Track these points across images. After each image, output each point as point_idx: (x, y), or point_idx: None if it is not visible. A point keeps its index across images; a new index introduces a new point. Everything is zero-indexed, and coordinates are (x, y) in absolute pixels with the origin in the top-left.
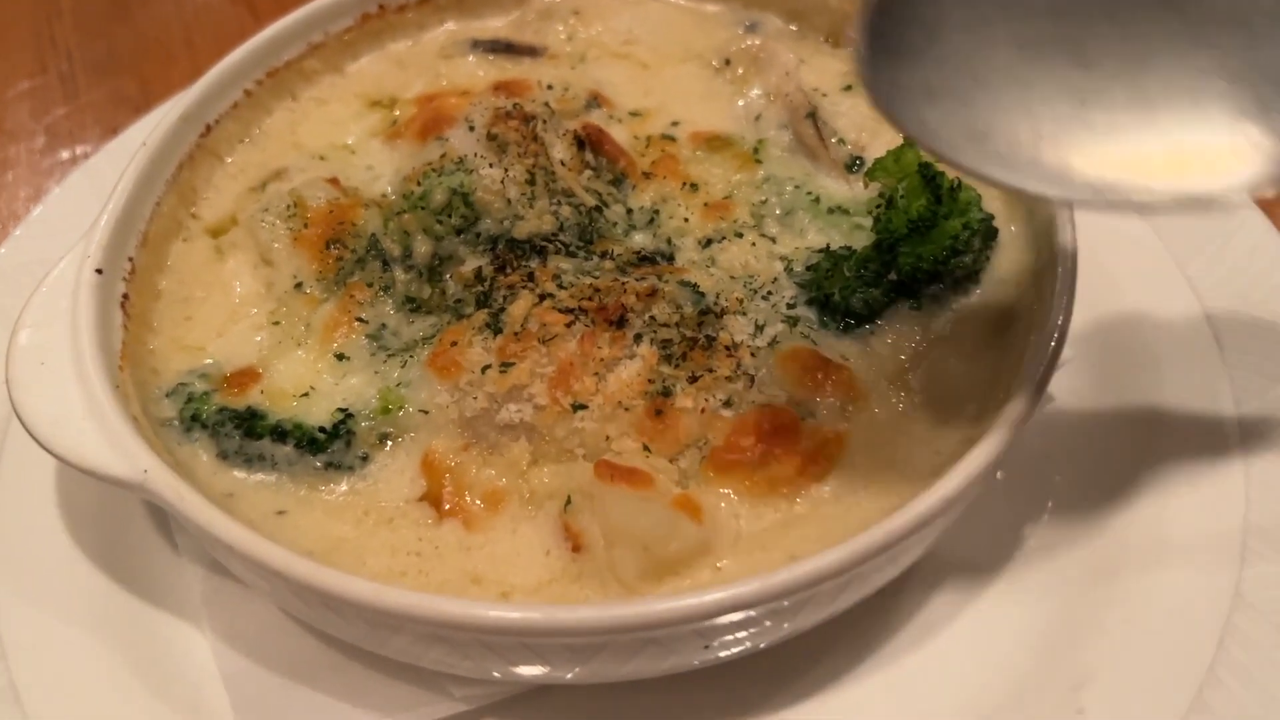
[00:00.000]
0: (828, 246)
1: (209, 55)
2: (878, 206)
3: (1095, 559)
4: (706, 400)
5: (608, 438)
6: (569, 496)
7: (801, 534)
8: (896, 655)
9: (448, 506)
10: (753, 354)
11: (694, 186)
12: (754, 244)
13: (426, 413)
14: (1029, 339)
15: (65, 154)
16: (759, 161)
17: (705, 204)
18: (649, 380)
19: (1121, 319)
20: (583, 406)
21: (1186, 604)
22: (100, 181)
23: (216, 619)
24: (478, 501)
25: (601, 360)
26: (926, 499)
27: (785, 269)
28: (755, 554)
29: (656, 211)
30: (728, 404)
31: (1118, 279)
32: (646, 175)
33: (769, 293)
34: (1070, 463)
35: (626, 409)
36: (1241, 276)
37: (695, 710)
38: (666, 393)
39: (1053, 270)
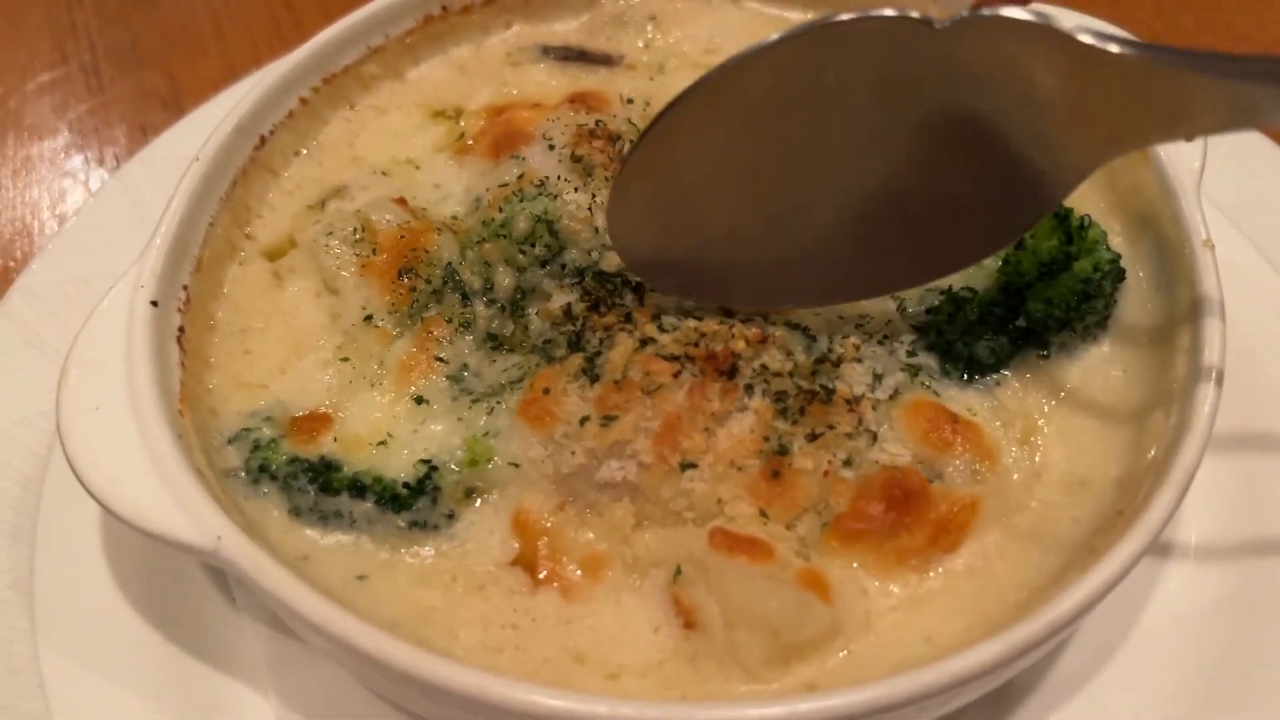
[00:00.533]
0: (949, 288)
1: (240, 47)
2: (998, 260)
3: (1236, 608)
4: (829, 461)
5: (720, 500)
6: (679, 566)
7: (934, 611)
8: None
9: (543, 574)
10: (874, 407)
11: None
12: None
13: (518, 466)
14: (1175, 402)
15: (91, 154)
16: None
17: None
18: (764, 438)
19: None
20: (692, 465)
21: None
22: (135, 191)
23: (282, 684)
24: (576, 569)
25: (712, 414)
26: (1087, 583)
27: (899, 309)
28: (887, 636)
29: None
30: (848, 463)
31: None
32: None
33: (885, 337)
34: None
35: (739, 469)
36: None
37: None
38: (783, 450)
39: (1196, 325)
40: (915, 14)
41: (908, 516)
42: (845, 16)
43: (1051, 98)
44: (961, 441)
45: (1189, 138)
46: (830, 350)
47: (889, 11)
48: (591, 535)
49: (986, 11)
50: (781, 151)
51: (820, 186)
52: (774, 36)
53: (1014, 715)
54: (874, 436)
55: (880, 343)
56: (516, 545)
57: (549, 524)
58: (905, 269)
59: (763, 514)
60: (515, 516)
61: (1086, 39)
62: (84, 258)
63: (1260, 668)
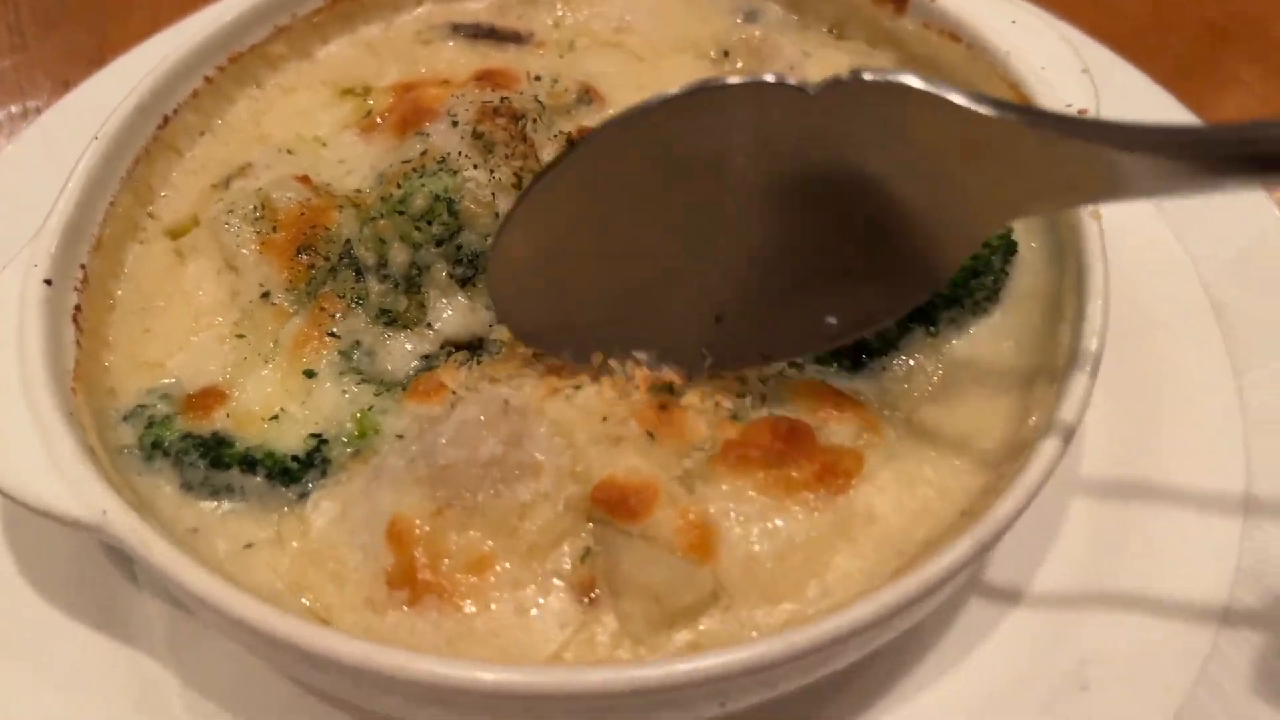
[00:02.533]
0: None
1: (168, 5)
2: None
3: (1099, 534)
4: (715, 403)
5: (604, 419)
6: (586, 548)
7: (818, 559)
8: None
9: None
10: (762, 381)
11: None
12: None
13: (402, 437)
14: (1059, 367)
15: (15, 108)
16: None
17: None
18: (650, 386)
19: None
20: (577, 388)
21: (1190, 577)
22: (54, 142)
23: (185, 663)
24: (461, 573)
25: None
26: (958, 547)
27: None
28: (770, 589)
29: None
30: (735, 418)
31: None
32: None
33: None
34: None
35: (627, 397)
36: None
37: None
38: (671, 392)
39: (1081, 294)
40: (791, 80)
41: (794, 450)
42: (720, 81)
43: (928, 158)
44: (847, 414)
45: (1074, 205)
46: None
47: (768, 77)
48: (474, 534)
49: (851, 75)
50: (665, 215)
51: (704, 252)
52: (652, 99)
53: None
54: (763, 399)
55: None
56: (391, 559)
57: (426, 529)
58: (800, 335)
59: (650, 436)
60: (389, 528)
61: (957, 98)
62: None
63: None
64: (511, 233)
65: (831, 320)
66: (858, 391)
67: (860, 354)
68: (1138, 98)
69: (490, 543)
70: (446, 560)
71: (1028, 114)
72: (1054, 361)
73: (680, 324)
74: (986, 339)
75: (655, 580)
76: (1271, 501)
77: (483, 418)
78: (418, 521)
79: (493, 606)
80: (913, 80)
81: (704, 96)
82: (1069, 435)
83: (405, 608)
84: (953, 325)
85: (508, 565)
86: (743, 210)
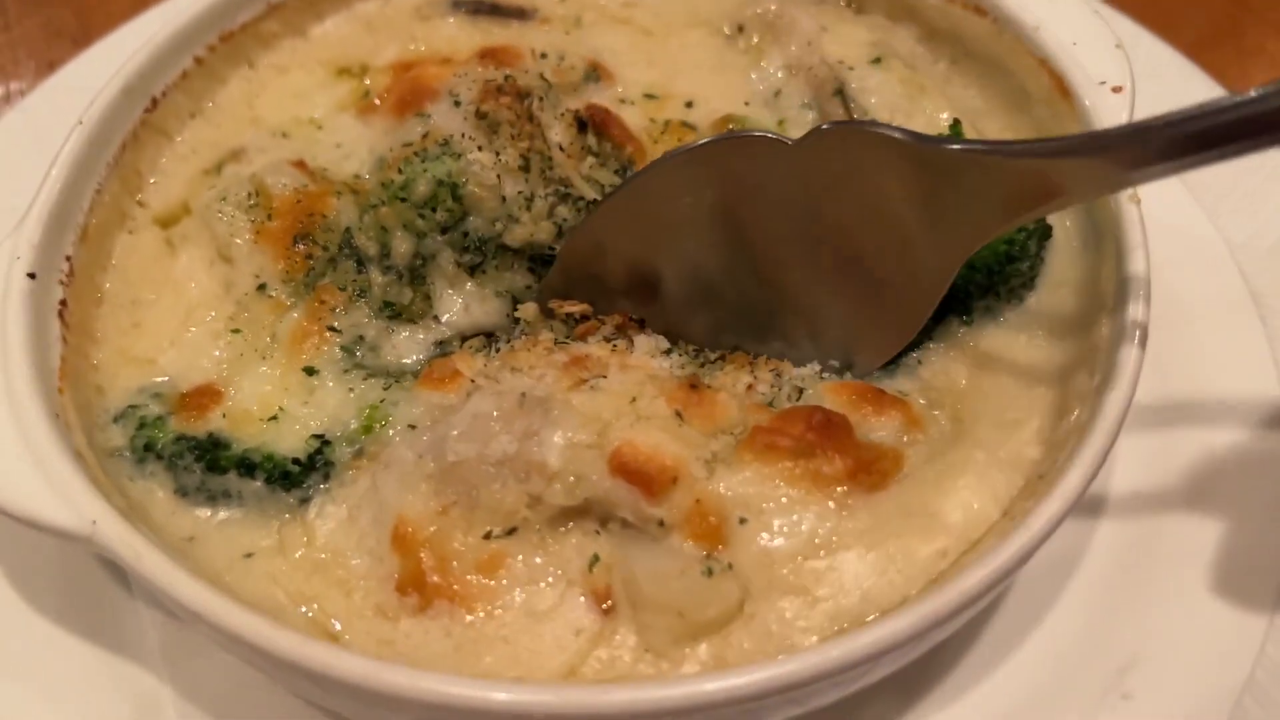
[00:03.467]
0: None
1: None
2: None
3: (1138, 535)
4: (749, 386)
5: (634, 400)
6: (595, 555)
7: (840, 562)
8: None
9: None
10: (798, 379)
11: None
12: None
13: (414, 427)
14: (1099, 362)
15: None
16: None
17: None
18: (681, 367)
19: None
20: (601, 376)
21: (1237, 586)
22: (39, 126)
23: (179, 674)
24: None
25: (627, 354)
26: (1000, 555)
27: None
28: (788, 599)
29: None
30: (770, 405)
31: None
32: None
33: None
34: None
35: (655, 379)
36: None
37: None
38: (704, 372)
39: (1121, 282)
40: (773, 134)
41: (827, 442)
42: (709, 140)
43: (903, 197)
44: (890, 412)
45: (1036, 216)
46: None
47: (757, 131)
48: (482, 533)
49: (827, 125)
50: (692, 244)
51: (721, 280)
52: (663, 157)
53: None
54: (800, 392)
55: None
56: (398, 563)
57: (432, 530)
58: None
59: (678, 415)
60: (394, 530)
61: (901, 137)
62: None
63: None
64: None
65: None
66: (903, 391)
67: None
68: (1163, 69)
69: (499, 543)
70: (455, 563)
71: (981, 145)
72: (1094, 352)
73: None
74: (1023, 328)
75: (677, 595)
76: None
77: (497, 412)
78: (423, 522)
79: (504, 611)
80: (878, 128)
81: (698, 152)
82: (1112, 436)
83: (417, 614)
84: (988, 314)
85: (520, 565)
86: (747, 247)
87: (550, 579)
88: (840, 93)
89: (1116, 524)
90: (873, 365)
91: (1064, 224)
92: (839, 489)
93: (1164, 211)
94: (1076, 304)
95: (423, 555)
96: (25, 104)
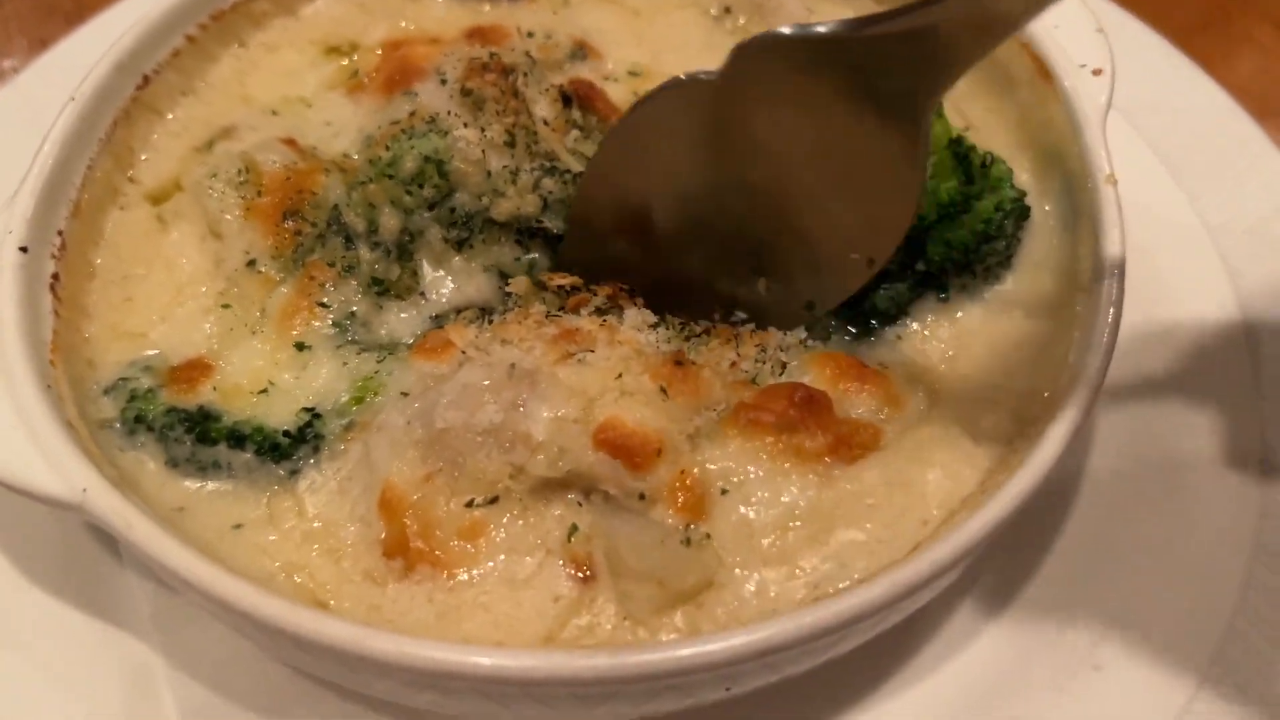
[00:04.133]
0: None
1: None
2: None
3: (1113, 508)
4: (732, 364)
5: (620, 376)
6: (573, 525)
7: (823, 532)
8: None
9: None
10: (783, 349)
11: None
12: None
13: (407, 394)
14: (1073, 337)
15: None
16: None
17: None
18: (667, 341)
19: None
20: (589, 350)
21: (1207, 557)
22: (33, 103)
23: (171, 645)
24: (454, 539)
25: (615, 328)
26: (971, 526)
27: None
28: (767, 568)
29: None
30: (754, 381)
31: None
32: None
33: None
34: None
35: (641, 354)
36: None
37: None
38: (689, 348)
39: (1096, 262)
40: (702, 74)
41: (809, 418)
42: (647, 96)
43: (838, 92)
44: (870, 388)
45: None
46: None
47: (684, 75)
48: (465, 500)
49: (742, 43)
50: (672, 185)
51: (706, 214)
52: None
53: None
54: (783, 367)
55: None
56: (384, 528)
57: (416, 497)
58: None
59: (663, 391)
60: (381, 495)
61: (814, 34)
62: None
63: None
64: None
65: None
66: (884, 364)
67: (869, 320)
68: (1148, 55)
69: (481, 511)
70: (438, 529)
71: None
72: (1069, 331)
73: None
74: (999, 307)
75: (656, 564)
76: None
77: (487, 382)
78: (410, 488)
79: (485, 578)
80: (790, 32)
81: (647, 103)
82: (1085, 412)
83: (402, 579)
84: (964, 292)
85: (502, 533)
86: (722, 184)
87: (531, 548)
88: None
89: (1091, 499)
90: (866, 275)
91: (1043, 206)
92: (820, 463)
93: (1143, 193)
94: (1053, 284)
95: (407, 520)
96: (18, 81)
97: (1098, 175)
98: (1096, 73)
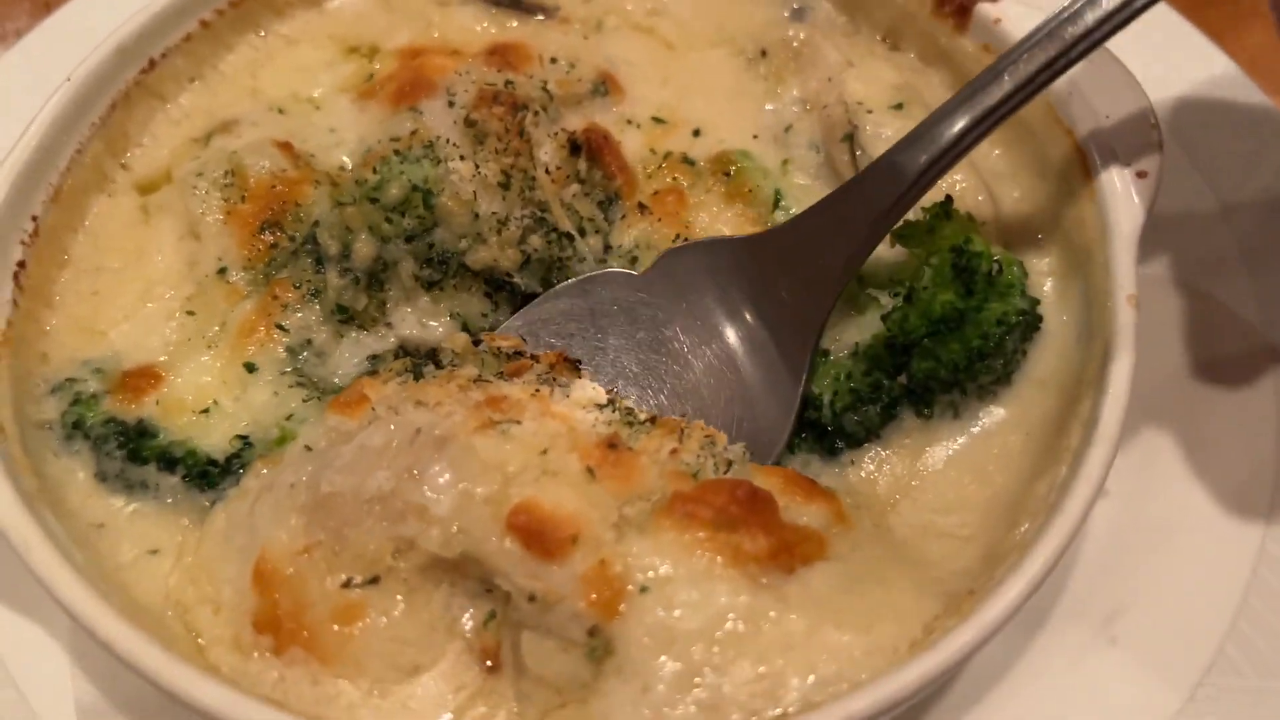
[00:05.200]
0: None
1: None
2: (895, 294)
3: (1129, 496)
4: (674, 451)
5: (544, 451)
6: (491, 611)
7: (740, 645)
8: None
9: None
10: (730, 455)
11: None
12: None
13: (310, 449)
14: (1060, 473)
15: None
16: None
17: None
18: (605, 424)
19: None
20: (515, 422)
21: (1220, 536)
22: (38, 66)
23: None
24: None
25: (548, 400)
26: (898, 680)
27: None
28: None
29: (635, 259)
30: (695, 475)
31: None
32: (642, 208)
33: None
34: None
35: (572, 432)
36: None
37: None
38: (627, 430)
39: (1098, 397)
40: (626, 272)
41: (751, 517)
42: (583, 278)
43: (745, 291)
44: (817, 505)
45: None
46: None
47: (615, 269)
48: (342, 579)
49: (667, 252)
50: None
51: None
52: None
53: None
54: (729, 465)
55: None
56: (255, 601)
57: (290, 572)
58: None
59: (590, 473)
60: (255, 566)
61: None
62: None
63: None
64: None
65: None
66: (831, 488)
67: (836, 441)
68: (1158, 27)
69: (361, 593)
70: (310, 611)
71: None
72: (1056, 467)
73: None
74: (988, 430)
75: (557, 674)
76: None
77: (384, 445)
78: (284, 561)
79: (370, 667)
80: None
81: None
82: (1054, 559)
83: (270, 654)
84: (949, 410)
85: (383, 621)
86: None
87: (417, 635)
88: (850, 138)
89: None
90: (764, 459)
91: (1060, 316)
92: (755, 568)
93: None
94: (1054, 405)
95: (278, 597)
96: (25, 44)
97: (1119, 293)
98: (1141, 175)
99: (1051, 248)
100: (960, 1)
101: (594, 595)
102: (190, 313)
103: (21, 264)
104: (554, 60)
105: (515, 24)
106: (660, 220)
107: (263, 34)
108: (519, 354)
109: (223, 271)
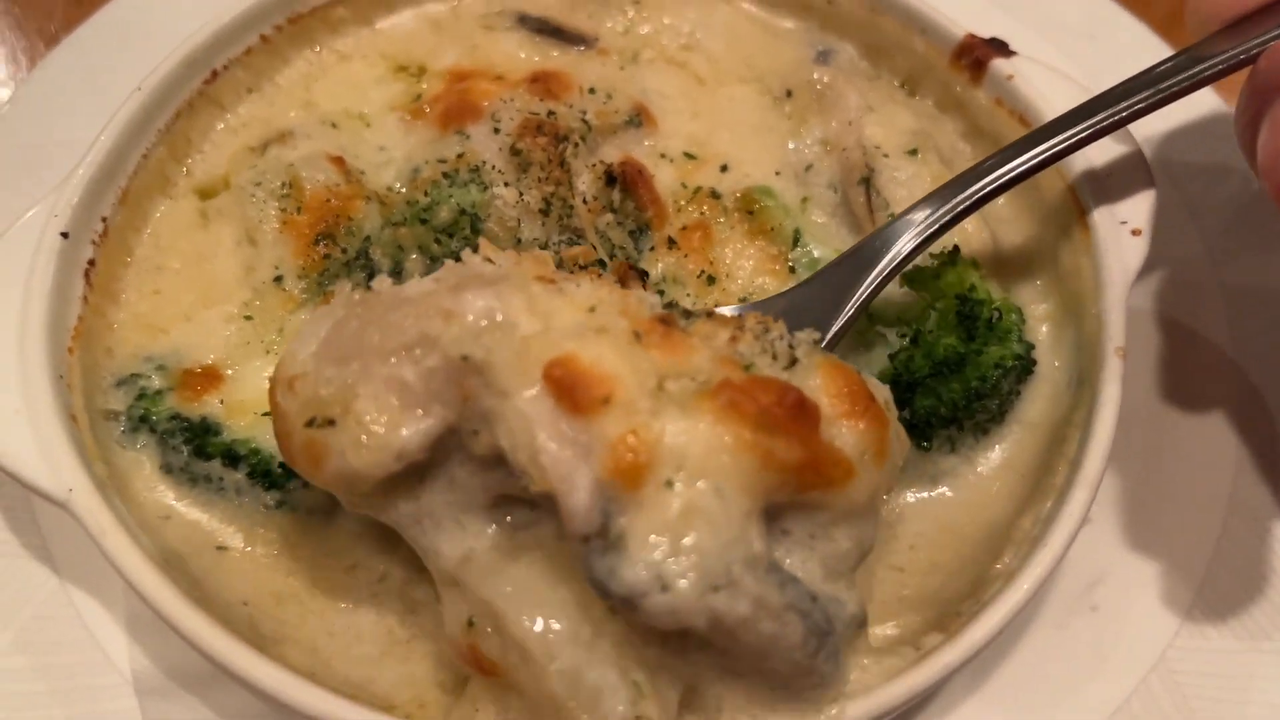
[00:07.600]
0: None
1: None
2: (902, 335)
3: (1112, 482)
4: (732, 338)
5: (591, 309)
6: (470, 618)
7: None
8: None
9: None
10: (793, 346)
11: (711, 280)
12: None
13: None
14: (1045, 509)
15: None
16: (792, 270)
17: (717, 304)
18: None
19: None
20: (573, 285)
21: (1188, 509)
22: (88, 59)
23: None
24: None
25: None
26: (890, 690)
27: None
28: None
29: (662, 293)
30: (747, 367)
31: None
32: (671, 242)
33: None
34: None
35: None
36: None
37: None
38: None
39: (1085, 438)
40: None
41: (792, 425)
42: None
43: None
44: (864, 424)
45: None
46: None
47: None
48: None
49: None
50: None
51: None
52: None
53: None
54: (792, 360)
55: None
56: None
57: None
58: None
59: (636, 336)
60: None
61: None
62: (33, 125)
63: None
64: None
65: None
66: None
67: None
68: (1128, 42)
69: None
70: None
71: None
72: (1041, 503)
73: None
74: (980, 463)
75: (556, 693)
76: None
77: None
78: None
79: None
80: None
81: None
82: (1032, 591)
83: None
84: (946, 444)
85: None
86: None
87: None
88: (866, 181)
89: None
90: None
91: (1053, 362)
92: (779, 481)
93: None
94: (1043, 444)
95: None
96: (75, 39)
97: (1108, 344)
98: (1135, 233)
99: (1049, 294)
100: (976, 55)
101: (618, 464)
102: (248, 317)
103: (92, 262)
104: (592, 90)
105: (556, 53)
106: (687, 256)
107: (318, 49)
108: (589, 264)
109: (279, 279)
